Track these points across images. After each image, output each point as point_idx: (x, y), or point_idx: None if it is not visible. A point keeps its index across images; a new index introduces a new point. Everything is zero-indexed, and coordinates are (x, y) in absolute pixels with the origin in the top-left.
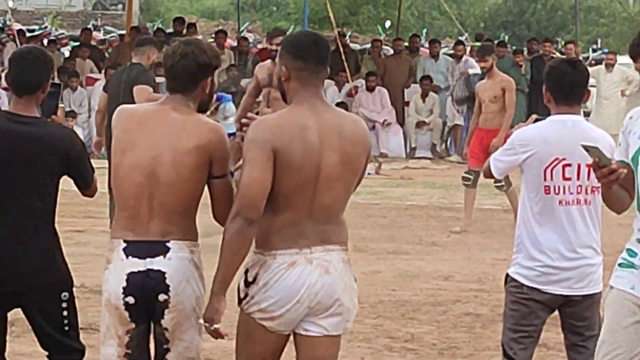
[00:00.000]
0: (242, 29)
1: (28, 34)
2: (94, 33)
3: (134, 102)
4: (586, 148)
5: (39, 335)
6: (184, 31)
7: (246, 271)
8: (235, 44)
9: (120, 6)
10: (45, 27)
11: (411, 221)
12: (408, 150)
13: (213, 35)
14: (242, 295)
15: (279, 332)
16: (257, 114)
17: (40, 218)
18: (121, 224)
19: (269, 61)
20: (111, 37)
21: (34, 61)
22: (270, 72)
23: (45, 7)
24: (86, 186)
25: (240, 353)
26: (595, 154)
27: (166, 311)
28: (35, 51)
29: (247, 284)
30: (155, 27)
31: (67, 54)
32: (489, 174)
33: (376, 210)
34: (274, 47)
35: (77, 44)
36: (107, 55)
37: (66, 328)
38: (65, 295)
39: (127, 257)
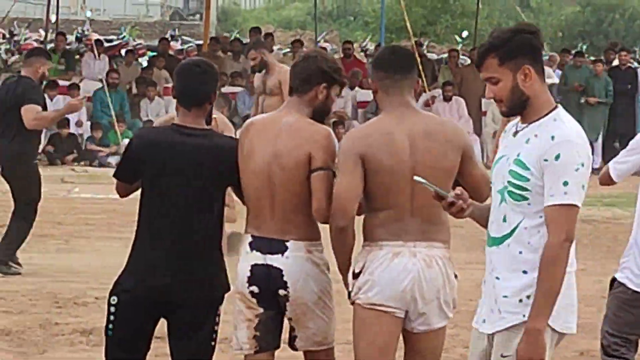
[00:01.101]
0: (319, 38)
1: (106, 44)
2: (172, 43)
3: (19, 120)
4: (419, 182)
5: (178, 349)
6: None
7: (354, 264)
8: None
9: (197, 16)
10: (123, 37)
11: None
12: (485, 159)
13: (289, 45)
14: (350, 287)
15: (390, 313)
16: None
17: (212, 229)
18: (250, 221)
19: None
20: (189, 47)
21: (201, 73)
22: (264, 77)
23: (123, 17)
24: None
25: (357, 344)
26: (430, 187)
27: (287, 304)
28: (202, 63)
29: (355, 275)
30: (232, 37)
31: (144, 64)
32: (606, 181)
33: (453, 219)
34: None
35: (155, 54)
36: None
37: (212, 343)
38: (219, 310)
39: (251, 250)
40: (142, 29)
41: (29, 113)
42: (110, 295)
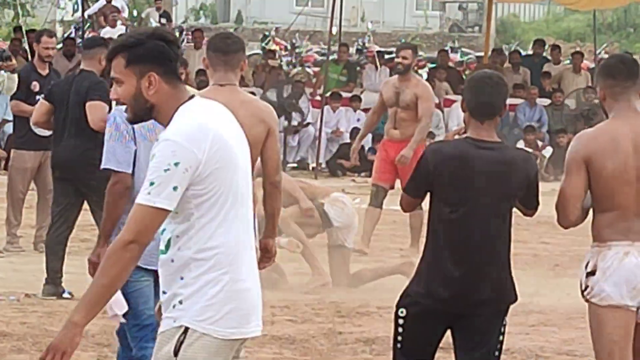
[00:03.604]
0: (599, 50)
1: (386, 56)
2: (451, 55)
3: (84, 117)
4: None
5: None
6: (544, 54)
7: (586, 264)
8: (592, 65)
9: (476, 28)
10: None
11: None
12: None
13: (569, 57)
14: (583, 287)
15: (624, 308)
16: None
17: (505, 241)
18: (611, 226)
19: (395, 77)
20: (468, 59)
21: (494, 86)
22: (397, 89)
23: (402, 29)
24: (532, 206)
25: (596, 342)
26: None
27: None
28: (494, 76)
29: (587, 275)
30: (512, 49)
31: (424, 76)
32: None
33: None
34: (400, 60)
35: (434, 65)
36: (464, 77)
37: (497, 353)
38: (505, 320)
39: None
40: (421, 40)
41: (98, 111)
42: (398, 307)
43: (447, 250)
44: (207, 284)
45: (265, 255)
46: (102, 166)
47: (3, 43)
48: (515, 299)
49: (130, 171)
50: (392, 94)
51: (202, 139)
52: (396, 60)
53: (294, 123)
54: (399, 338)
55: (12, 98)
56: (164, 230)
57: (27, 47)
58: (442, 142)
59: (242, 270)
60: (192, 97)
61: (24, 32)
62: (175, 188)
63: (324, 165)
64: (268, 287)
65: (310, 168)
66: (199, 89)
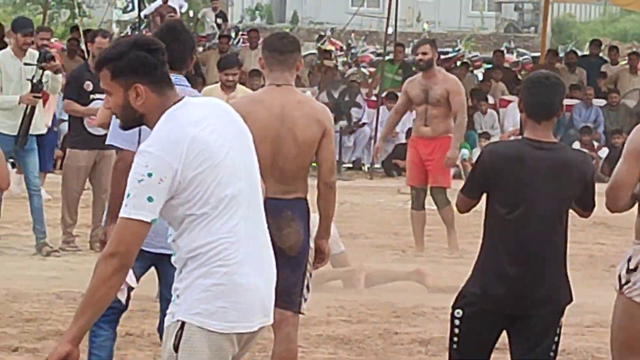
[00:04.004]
0: None
1: (442, 57)
2: (507, 55)
3: None
4: None
5: None
6: (600, 54)
7: (628, 260)
8: None
9: (532, 29)
10: (459, 50)
11: None
12: None
13: (625, 58)
14: (623, 282)
15: None
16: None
17: (562, 241)
18: None
19: (419, 75)
20: (524, 59)
21: (551, 86)
22: (424, 87)
23: (457, 29)
24: (588, 207)
25: (615, 336)
26: None
27: None
28: (551, 76)
29: (629, 271)
30: (567, 49)
31: (480, 77)
32: None
33: None
34: (419, 57)
35: (490, 66)
36: (519, 77)
37: (552, 354)
38: (561, 321)
39: None
40: (477, 41)
41: None
42: (454, 308)
43: (503, 251)
44: (200, 276)
45: (319, 256)
46: (106, 142)
47: (59, 42)
48: (571, 300)
49: (134, 149)
50: (419, 92)
51: (177, 147)
52: (416, 57)
53: (350, 123)
54: (455, 339)
55: (64, 97)
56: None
57: (84, 47)
58: (499, 142)
59: (243, 266)
60: (179, 100)
61: (81, 32)
62: (150, 199)
63: (379, 166)
64: (323, 289)
65: (366, 168)
66: (253, 89)
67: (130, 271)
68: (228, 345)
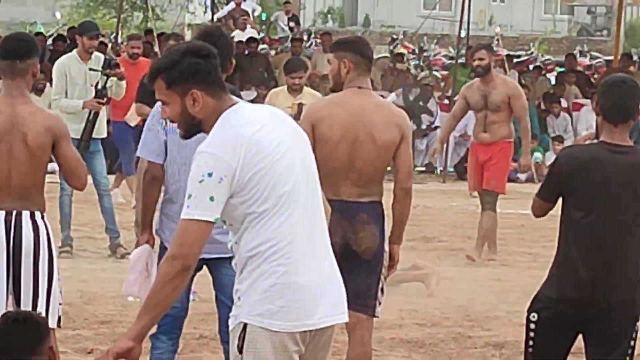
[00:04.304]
0: None
1: (515, 60)
2: (580, 59)
3: None
4: None
5: None
6: None
7: None
8: None
9: (604, 32)
10: (531, 53)
11: None
12: None
13: None
14: None
15: None
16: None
17: (636, 246)
18: None
19: (477, 80)
20: (597, 63)
21: (628, 89)
22: (484, 92)
23: (530, 32)
24: None
25: None
26: None
27: None
28: (627, 79)
29: None
30: None
31: (552, 80)
32: None
33: None
34: (476, 62)
35: (563, 69)
36: (592, 81)
37: (627, 358)
38: (637, 326)
39: None
40: (549, 44)
41: None
42: (529, 312)
43: (579, 254)
44: (260, 276)
45: (390, 262)
46: (136, 154)
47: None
48: None
49: (159, 161)
50: (479, 98)
51: (235, 147)
52: (473, 63)
53: (423, 127)
54: (531, 343)
55: (136, 101)
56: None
57: (157, 51)
58: (575, 146)
59: (300, 265)
60: (233, 104)
61: (155, 36)
62: (211, 198)
63: (451, 169)
64: (398, 292)
65: (438, 172)
66: (326, 93)
67: (132, 272)
68: (292, 344)
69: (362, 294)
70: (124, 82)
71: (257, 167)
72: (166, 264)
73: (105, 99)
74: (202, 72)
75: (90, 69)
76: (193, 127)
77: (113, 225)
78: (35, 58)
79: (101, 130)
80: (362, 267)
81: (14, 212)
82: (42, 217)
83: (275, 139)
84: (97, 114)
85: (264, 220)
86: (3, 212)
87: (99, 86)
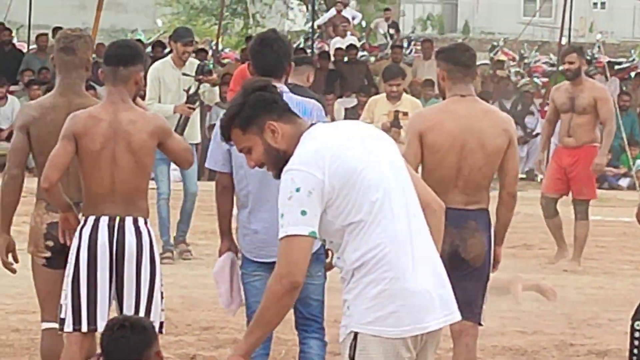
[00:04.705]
0: None
1: (616, 67)
2: None
3: None
4: None
5: None
6: None
7: None
8: None
9: None
10: (633, 60)
11: None
12: None
13: None
14: None
15: None
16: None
17: None
18: None
19: (566, 83)
20: None
21: None
22: (571, 95)
23: (631, 39)
24: None
25: None
26: None
27: None
28: None
29: None
30: None
31: None
32: None
33: None
34: (566, 66)
35: None
36: None
37: None
38: None
39: None
40: None
41: None
42: (633, 320)
43: None
44: (368, 285)
45: (493, 264)
46: (205, 165)
47: (233, 52)
48: None
49: (226, 170)
50: (566, 100)
51: (318, 160)
52: (563, 67)
53: (523, 133)
54: (636, 351)
55: None
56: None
57: None
58: None
59: (406, 270)
60: (311, 125)
61: None
62: (303, 212)
63: None
64: (500, 299)
65: (539, 179)
66: (426, 99)
67: (241, 286)
68: (404, 350)
69: (468, 302)
70: (217, 89)
71: (344, 178)
72: (274, 283)
73: (196, 104)
74: (269, 102)
75: (184, 74)
76: (280, 160)
77: (184, 225)
78: (139, 66)
79: (194, 135)
80: (470, 275)
81: (117, 218)
82: (145, 223)
83: (357, 150)
84: (187, 119)
85: (364, 230)
86: (107, 218)
87: (191, 91)
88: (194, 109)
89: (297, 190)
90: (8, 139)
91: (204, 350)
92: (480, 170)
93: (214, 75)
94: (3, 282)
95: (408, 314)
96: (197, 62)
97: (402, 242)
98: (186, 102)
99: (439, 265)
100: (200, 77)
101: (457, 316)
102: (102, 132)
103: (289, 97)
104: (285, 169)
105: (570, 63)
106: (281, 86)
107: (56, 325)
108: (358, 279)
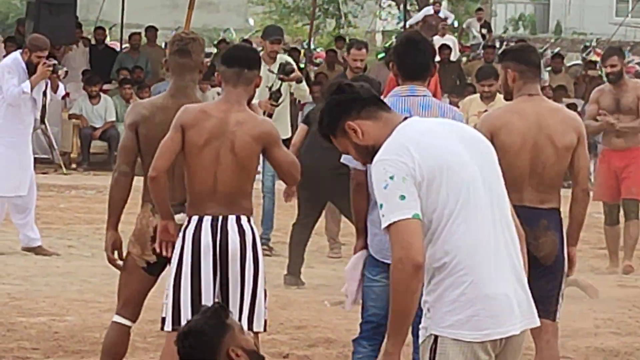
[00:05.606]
0: None
1: None
2: None
3: None
4: None
5: None
6: None
7: None
8: None
9: None
10: None
11: None
12: None
13: None
14: None
15: None
16: None
17: None
18: None
19: (608, 84)
20: None
21: None
22: (615, 95)
23: None
24: None
25: None
26: None
27: None
28: None
29: None
30: None
31: None
32: None
33: None
34: (609, 69)
35: None
36: None
37: None
38: None
39: None
40: None
41: None
42: None
43: None
44: (448, 288)
45: (568, 264)
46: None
47: (325, 52)
48: None
49: (360, 167)
50: (610, 101)
51: (408, 149)
52: (605, 70)
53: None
54: None
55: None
56: None
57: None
58: None
59: (487, 275)
60: (403, 119)
61: (347, 42)
62: (402, 197)
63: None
64: (591, 300)
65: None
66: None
67: (351, 284)
68: (483, 354)
69: (543, 300)
70: (303, 84)
71: (429, 173)
72: (395, 271)
73: (279, 101)
74: (343, 105)
75: (270, 71)
76: (370, 154)
77: (267, 225)
78: (259, 70)
79: (285, 130)
80: (543, 273)
81: (220, 217)
82: (249, 221)
83: (445, 147)
84: (270, 115)
85: (446, 230)
86: (209, 218)
87: (273, 88)
88: (276, 105)
89: (392, 178)
90: (102, 137)
91: (297, 349)
92: (553, 167)
93: (294, 74)
94: (97, 280)
95: (487, 317)
96: (288, 58)
97: (485, 247)
98: (269, 99)
99: (521, 272)
100: (281, 76)
101: (536, 321)
102: (209, 128)
103: (429, 102)
104: (374, 160)
105: (613, 66)
106: (425, 90)
107: (128, 323)
108: (438, 281)
